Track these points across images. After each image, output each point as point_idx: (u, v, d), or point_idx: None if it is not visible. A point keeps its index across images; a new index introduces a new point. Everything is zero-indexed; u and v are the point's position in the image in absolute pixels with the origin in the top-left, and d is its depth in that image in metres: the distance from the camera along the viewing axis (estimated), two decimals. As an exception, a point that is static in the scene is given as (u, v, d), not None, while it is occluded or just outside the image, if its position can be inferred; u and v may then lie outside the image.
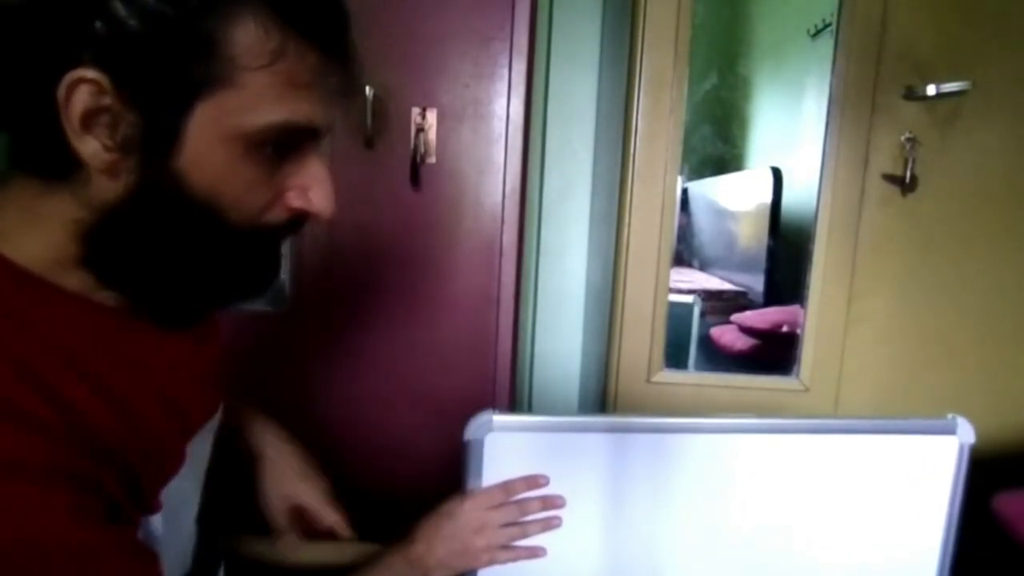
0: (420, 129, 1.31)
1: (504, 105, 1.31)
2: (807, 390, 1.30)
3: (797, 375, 1.30)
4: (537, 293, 1.67)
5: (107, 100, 0.41)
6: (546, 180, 1.64)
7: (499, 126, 1.32)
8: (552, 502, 0.73)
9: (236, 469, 0.77)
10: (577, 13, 1.59)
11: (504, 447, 0.72)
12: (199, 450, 0.62)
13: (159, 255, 0.47)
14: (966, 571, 1.26)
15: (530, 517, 0.73)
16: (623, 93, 1.29)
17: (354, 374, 1.39)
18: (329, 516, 0.78)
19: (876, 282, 1.27)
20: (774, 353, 1.43)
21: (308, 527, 0.79)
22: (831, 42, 1.25)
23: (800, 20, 1.52)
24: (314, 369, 1.39)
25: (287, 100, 0.44)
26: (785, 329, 1.44)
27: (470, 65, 1.30)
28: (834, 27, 1.24)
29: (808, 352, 1.29)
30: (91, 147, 0.42)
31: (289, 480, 0.75)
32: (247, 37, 0.42)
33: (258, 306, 1.44)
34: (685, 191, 1.72)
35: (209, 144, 0.43)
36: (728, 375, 1.34)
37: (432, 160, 1.32)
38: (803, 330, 1.30)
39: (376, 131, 1.30)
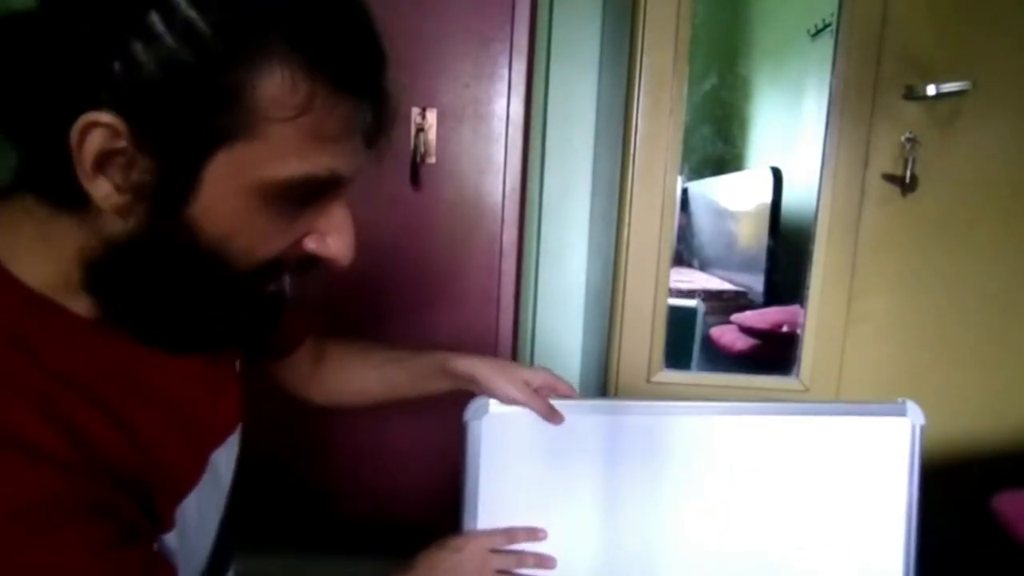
0: (420, 129, 1.31)
1: (504, 105, 1.31)
2: (807, 390, 1.30)
3: (797, 375, 1.30)
4: (537, 293, 1.67)
5: (122, 143, 0.38)
6: (546, 180, 1.64)
7: (499, 126, 1.32)
8: (546, 562, 0.75)
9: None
10: (577, 13, 1.59)
11: (501, 430, 0.75)
12: (222, 463, 0.61)
13: (160, 294, 0.45)
14: (966, 571, 1.26)
15: (524, 571, 0.75)
16: (623, 93, 1.29)
17: (354, 374, 1.39)
18: (562, 386, 0.78)
19: (876, 282, 1.27)
20: (774, 353, 1.43)
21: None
22: (831, 42, 1.25)
23: (800, 20, 1.52)
24: (314, 369, 1.39)
25: (311, 153, 0.41)
26: (785, 329, 1.44)
27: (470, 65, 1.31)
28: (834, 27, 1.24)
29: (808, 352, 1.29)
30: (103, 189, 0.39)
31: (517, 370, 0.76)
32: (273, 87, 0.38)
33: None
34: (685, 191, 1.72)
35: (225, 194, 0.40)
36: (728, 375, 1.35)
37: (432, 160, 1.32)
38: (803, 330, 1.30)
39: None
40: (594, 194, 1.62)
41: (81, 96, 0.37)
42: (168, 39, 0.36)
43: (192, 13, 0.36)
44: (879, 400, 0.78)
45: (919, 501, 0.78)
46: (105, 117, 0.37)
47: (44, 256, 0.43)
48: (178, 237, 0.41)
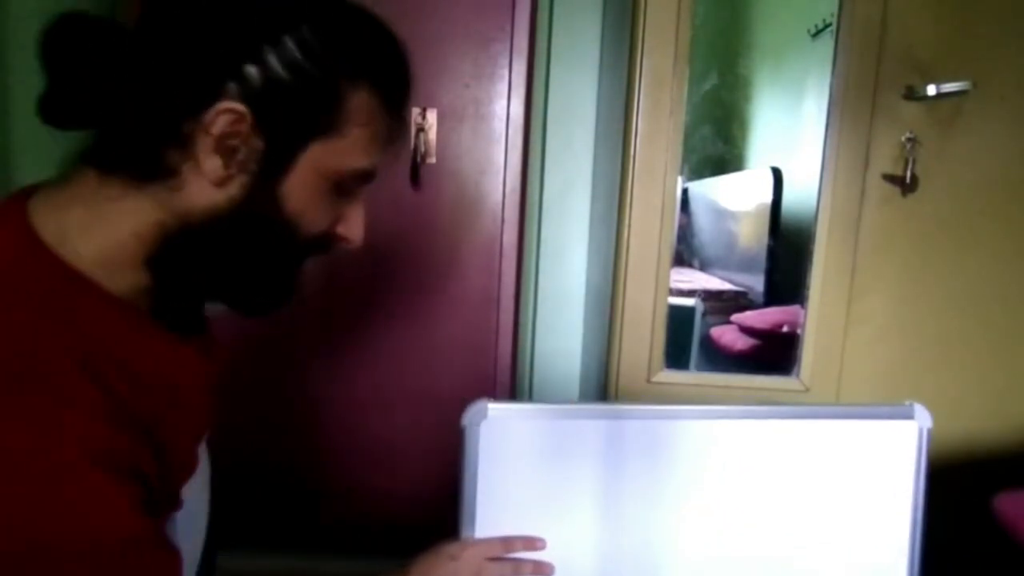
0: (420, 129, 1.31)
1: (504, 105, 1.31)
2: (807, 390, 1.30)
3: (797, 375, 1.30)
4: (537, 293, 1.67)
5: (242, 128, 0.48)
6: (546, 180, 1.65)
7: (499, 126, 1.32)
8: (544, 570, 0.75)
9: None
10: (577, 13, 1.59)
11: (499, 435, 0.74)
12: (203, 454, 0.64)
13: (237, 256, 0.54)
14: (966, 571, 1.26)
15: None
16: (623, 93, 1.29)
17: (354, 373, 1.39)
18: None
19: (876, 282, 1.27)
20: (774, 353, 1.43)
21: None
22: (831, 42, 1.25)
23: (800, 20, 1.52)
24: (314, 369, 1.39)
25: (372, 152, 0.54)
26: (785, 329, 1.44)
27: (470, 65, 1.31)
28: (834, 27, 1.24)
29: (808, 352, 1.29)
30: (214, 163, 0.48)
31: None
32: (360, 100, 0.51)
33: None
34: (685, 191, 1.72)
35: (308, 177, 0.51)
36: (728, 375, 1.35)
37: (432, 160, 1.32)
38: (803, 330, 1.30)
39: (376, 131, 1.30)
40: (594, 194, 1.62)
41: (211, 88, 0.47)
42: (297, 55, 0.48)
43: (318, 44, 0.48)
44: (885, 403, 0.78)
45: (925, 505, 0.77)
46: (238, 106, 0.47)
47: (96, 236, 0.49)
48: (266, 207, 0.51)
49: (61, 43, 0.47)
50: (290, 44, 0.48)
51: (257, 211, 0.51)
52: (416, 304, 1.37)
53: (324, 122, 0.50)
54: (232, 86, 0.47)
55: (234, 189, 0.50)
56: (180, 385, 0.56)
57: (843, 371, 1.29)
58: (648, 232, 1.28)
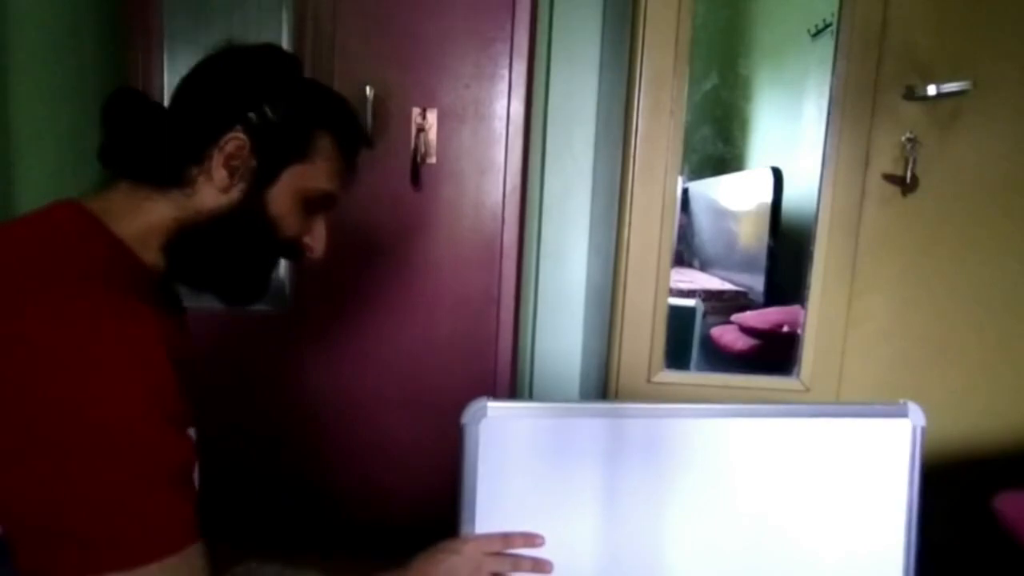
0: (420, 129, 1.31)
1: (505, 105, 1.31)
2: (807, 390, 1.30)
3: (797, 375, 1.31)
4: (537, 293, 1.68)
5: (244, 152, 0.68)
6: (546, 180, 1.65)
7: (499, 126, 1.32)
8: (543, 567, 0.76)
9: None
10: (577, 14, 1.59)
11: (499, 433, 0.74)
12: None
13: (231, 245, 0.71)
14: (966, 571, 1.27)
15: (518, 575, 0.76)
16: (623, 93, 1.29)
17: (354, 373, 1.39)
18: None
19: (876, 282, 1.27)
20: (774, 353, 1.43)
21: None
22: (831, 42, 1.25)
23: (800, 20, 1.52)
24: (315, 369, 1.39)
25: (333, 181, 0.75)
26: (785, 329, 1.44)
27: (471, 66, 1.31)
28: (834, 27, 1.24)
29: (808, 352, 1.29)
30: (221, 174, 0.68)
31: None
32: (324, 141, 0.72)
33: (258, 306, 1.44)
34: (685, 191, 1.72)
35: (286, 189, 0.71)
36: (728, 375, 1.34)
37: (432, 160, 1.32)
38: (803, 330, 1.30)
39: (376, 131, 1.30)
40: (594, 194, 1.62)
41: (226, 125, 0.68)
42: (283, 106, 0.70)
43: (298, 101, 0.72)
44: (880, 401, 0.79)
45: (920, 502, 0.78)
46: (241, 136, 0.68)
47: (135, 220, 0.67)
48: (254, 209, 0.70)
49: (115, 110, 0.69)
50: (280, 99, 0.70)
51: (249, 211, 0.70)
52: (416, 304, 1.37)
53: (299, 151, 0.71)
54: (239, 122, 0.68)
55: (235, 194, 0.70)
56: (186, 360, 0.66)
57: (843, 371, 1.29)
58: (648, 232, 1.28)
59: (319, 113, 0.73)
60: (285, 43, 1.34)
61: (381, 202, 1.34)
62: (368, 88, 1.27)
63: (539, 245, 1.66)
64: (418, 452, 1.39)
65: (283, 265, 1.42)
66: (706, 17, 1.44)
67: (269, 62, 0.73)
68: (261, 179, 0.70)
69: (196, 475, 0.64)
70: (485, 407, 0.74)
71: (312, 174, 0.72)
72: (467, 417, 0.74)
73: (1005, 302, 1.26)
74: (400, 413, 1.39)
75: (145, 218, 0.68)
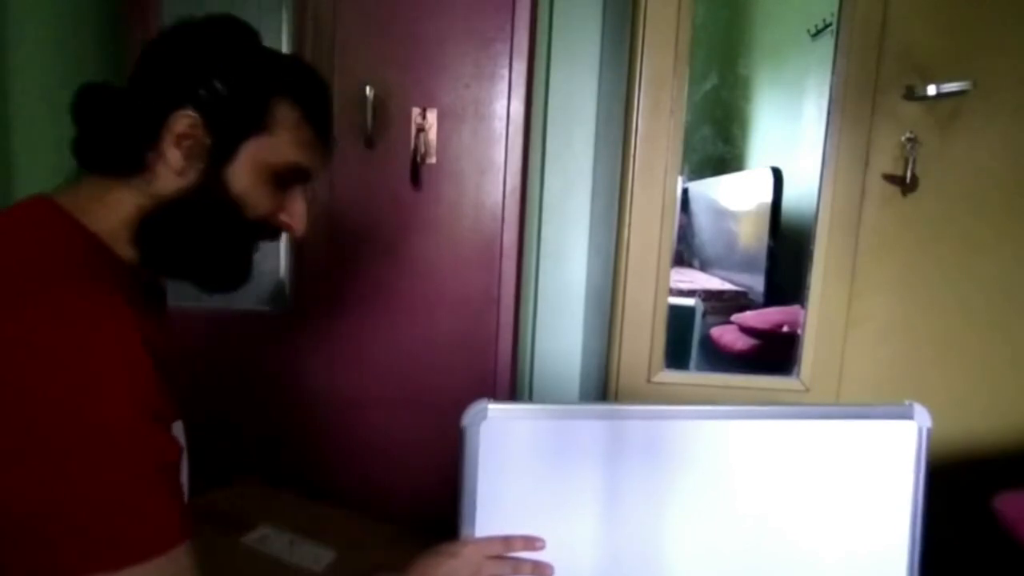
0: (420, 129, 1.31)
1: (504, 105, 1.31)
2: (807, 390, 1.30)
3: (797, 375, 1.30)
4: (537, 293, 1.68)
5: (196, 130, 0.65)
6: (546, 180, 1.65)
7: (499, 126, 1.32)
8: (543, 570, 0.75)
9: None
10: (577, 13, 1.59)
11: (499, 435, 0.74)
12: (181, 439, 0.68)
13: (196, 230, 0.68)
14: (966, 571, 1.26)
15: None
16: (623, 93, 1.29)
17: (353, 374, 1.39)
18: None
19: (876, 282, 1.27)
20: (774, 353, 1.43)
21: None
22: (831, 42, 1.25)
23: (800, 20, 1.52)
24: (314, 369, 1.39)
25: (301, 153, 0.70)
26: (785, 329, 1.44)
27: (471, 65, 1.31)
28: (834, 27, 1.24)
29: (808, 352, 1.29)
30: (175, 155, 0.65)
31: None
32: (284, 110, 0.68)
33: (258, 306, 1.44)
34: (685, 191, 1.72)
35: (247, 166, 0.68)
36: (728, 375, 1.34)
37: (432, 160, 1.32)
38: (803, 330, 1.30)
39: (376, 131, 1.30)
40: (594, 194, 1.62)
41: (174, 102, 0.65)
42: (233, 78, 0.66)
43: (249, 70, 0.68)
44: (885, 403, 0.78)
45: (924, 504, 0.78)
46: (191, 113, 0.65)
47: (104, 214, 0.65)
48: (215, 189, 0.67)
49: (80, 104, 0.67)
50: (230, 70, 0.66)
51: (209, 191, 0.67)
52: (415, 304, 1.37)
53: (256, 123, 0.67)
54: (188, 99, 0.65)
55: (192, 176, 0.66)
56: (167, 352, 0.65)
57: (843, 371, 1.29)
58: (648, 232, 1.28)
59: (275, 81, 0.69)
60: (285, 43, 1.34)
61: (381, 202, 1.34)
62: (368, 88, 1.27)
63: (539, 245, 1.66)
64: (418, 452, 1.39)
65: (283, 265, 1.42)
66: (706, 17, 1.44)
67: (218, 34, 0.69)
68: (218, 157, 0.67)
69: (184, 472, 0.64)
70: (485, 409, 0.74)
71: (274, 146, 0.68)
72: (467, 419, 0.73)
73: (1005, 302, 1.26)
74: (400, 413, 1.39)
75: (113, 210, 0.66)
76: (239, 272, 0.73)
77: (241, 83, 0.66)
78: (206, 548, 0.58)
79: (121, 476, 0.53)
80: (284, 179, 0.71)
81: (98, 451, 0.52)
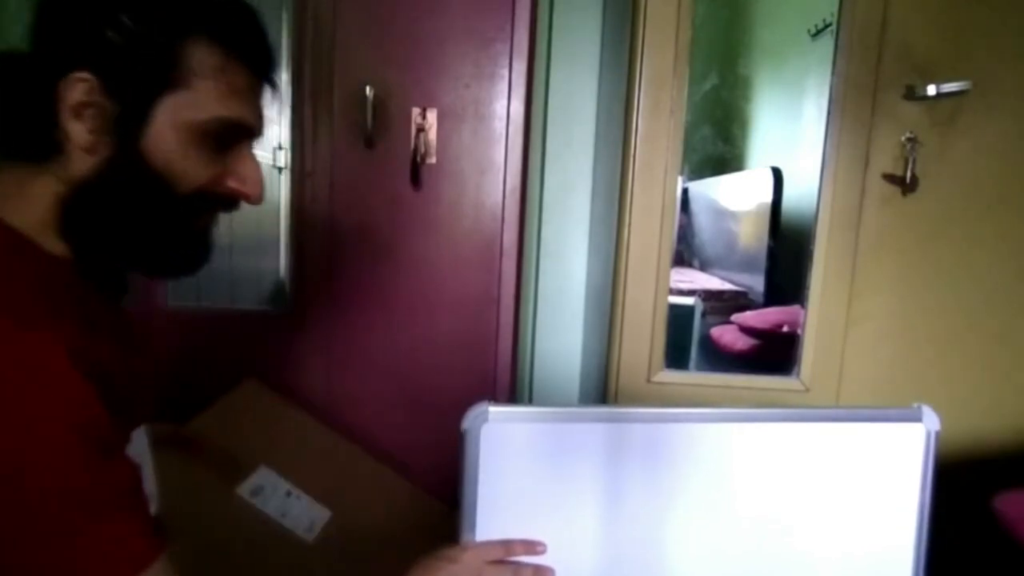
0: (420, 129, 1.31)
1: (504, 105, 1.31)
2: (807, 390, 1.30)
3: (797, 375, 1.30)
4: (537, 293, 1.67)
5: (96, 96, 0.55)
6: (546, 180, 1.64)
7: (499, 126, 1.32)
8: (544, 574, 0.74)
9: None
10: (577, 13, 1.59)
11: (500, 438, 0.73)
12: (140, 449, 0.64)
13: (122, 214, 0.59)
14: (966, 571, 1.26)
15: None
16: (623, 93, 1.29)
17: (353, 374, 1.39)
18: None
19: (877, 282, 1.27)
20: (774, 353, 1.43)
21: None
22: (831, 42, 1.25)
23: (800, 20, 1.52)
24: (314, 369, 1.39)
25: (226, 103, 0.59)
26: (785, 329, 1.44)
27: (471, 65, 1.31)
28: (834, 27, 1.24)
29: (808, 352, 1.29)
30: (78, 129, 0.55)
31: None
32: (200, 55, 0.57)
33: (258, 306, 1.44)
34: (685, 191, 1.72)
35: (166, 130, 0.57)
36: (728, 375, 1.34)
37: (432, 160, 1.32)
38: (803, 330, 1.30)
39: (376, 131, 1.30)
40: (594, 194, 1.62)
41: (69, 62, 0.54)
42: (128, 24, 0.55)
43: (146, 11, 0.56)
44: (887, 404, 0.77)
45: (931, 507, 0.77)
46: (85, 75, 0.54)
47: (26, 207, 0.57)
48: (133, 163, 0.57)
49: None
50: (122, 16, 0.55)
51: (128, 167, 0.57)
52: (415, 304, 1.36)
53: (166, 78, 0.56)
54: (80, 60, 0.55)
55: (104, 151, 0.57)
56: (127, 345, 0.61)
57: (843, 371, 1.29)
58: (648, 232, 1.28)
59: (183, 20, 0.57)
60: (285, 43, 1.34)
61: (381, 202, 1.33)
62: (368, 88, 1.27)
63: (539, 245, 1.66)
64: (418, 453, 1.39)
65: (283, 265, 1.42)
66: (706, 17, 1.44)
67: None
68: (128, 124, 0.56)
69: (148, 480, 0.60)
70: (486, 412, 0.72)
71: (195, 101, 0.57)
72: (468, 422, 0.72)
73: (1005, 302, 1.26)
74: (400, 413, 1.39)
75: (35, 202, 0.57)
76: (190, 254, 0.64)
77: (140, 30, 0.55)
78: (199, 502, 0.56)
79: (73, 522, 0.49)
80: (219, 139, 0.60)
81: (28, 504, 0.48)
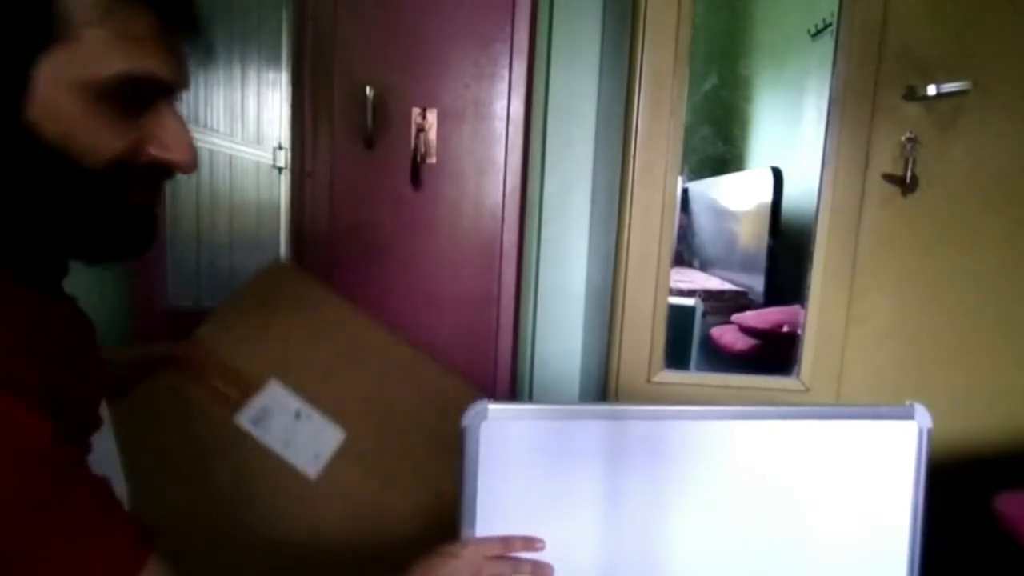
0: (420, 129, 1.31)
1: (504, 105, 1.31)
2: (807, 390, 1.30)
3: (797, 375, 1.30)
4: (537, 293, 1.67)
5: None
6: (546, 180, 1.64)
7: (499, 126, 1.32)
8: (544, 570, 0.75)
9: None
10: (577, 13, 1.59)
11: (500, 435, 0.73)
12: (106, 420, 0.62)
13: (23, 199, 0.50)
14: (966, 571, 1.27)
15: None
16: (623, 93, 1.29)
17: (354, 374, 1.39)
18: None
19: (877, 282, 1.27)
20: (774, 353, 1.44)
21: None
22: (831, 42, 1.25)
23: (800, 20, 1.53)
24: (314, 369, 1.39)
25: (125, 53, 0.48)
26: (785, 329, 1.44)
27: (471, 66, 1.31)
28: (834, 27, 1.24)
29: (808, 352, 1.29)
30: None
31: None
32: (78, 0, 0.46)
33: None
34: (685, 191, 1.72)
35: (56, 95, 0.47)
36: (728, 375, 1.35)
37: (432, 160, 1.32)
38: (803, 330, 1.30)
39: (376, 131, 1.30)
40: (594, 194, 1.62)
41: None
42: None
43: None
44: (885, 403, 0.78)
45: (925, 504, 0.78)
46: None
47: None
48: (21, 139, 0.47)
49: None
50: None
51: (14, 145, 0.47)
52: (416, 304, 1.36)
53: (41, 32, 0.46)
54: None
55: None
56: (69, 344, 0.56)
57: (843, 371, 1.29)
58: (648, 232, 1.28)
59: None
60: (285, 43, 1.34)
61: (381, 202, 1.33)
62: (368, 88, 1.27)
63: (539, 245, 1.66)
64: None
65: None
66: (706, 17, 1.44)
67: None
68: (3, 94, 0.46)
69: (118, 488, 0.56)
70: (486, 409, 0.73)
71: (83, 55, 0.47)
72: (467, 419, 0.73)
73: (1005, 302, 1.26)
74: (400, 413, 1.39)
75: None
76: (128, 235, 0.55)
77: None
78: (193, 430, 0.51)
79: (52, 551, 0.46)
80: (125, 99, 0.49)
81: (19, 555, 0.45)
